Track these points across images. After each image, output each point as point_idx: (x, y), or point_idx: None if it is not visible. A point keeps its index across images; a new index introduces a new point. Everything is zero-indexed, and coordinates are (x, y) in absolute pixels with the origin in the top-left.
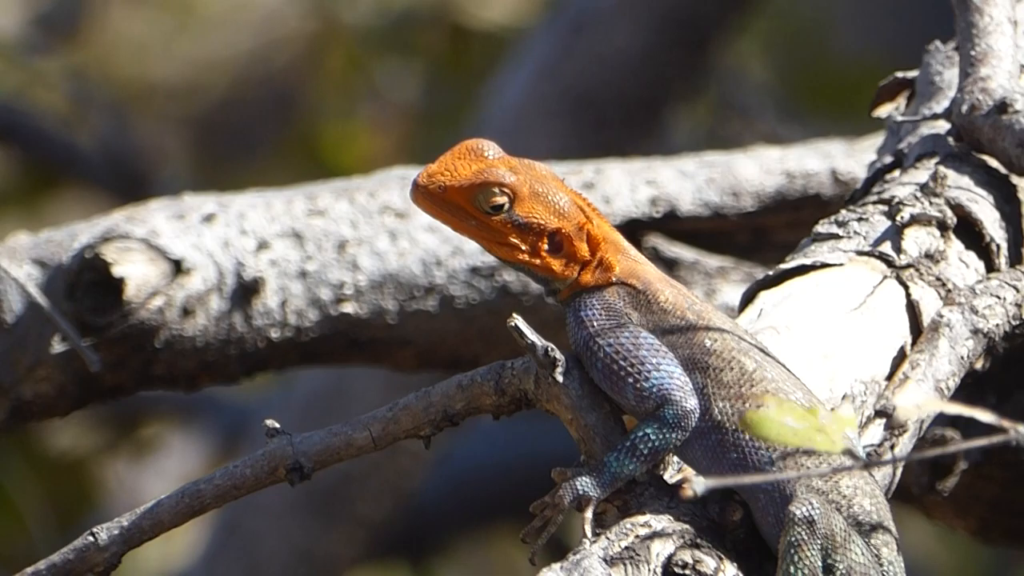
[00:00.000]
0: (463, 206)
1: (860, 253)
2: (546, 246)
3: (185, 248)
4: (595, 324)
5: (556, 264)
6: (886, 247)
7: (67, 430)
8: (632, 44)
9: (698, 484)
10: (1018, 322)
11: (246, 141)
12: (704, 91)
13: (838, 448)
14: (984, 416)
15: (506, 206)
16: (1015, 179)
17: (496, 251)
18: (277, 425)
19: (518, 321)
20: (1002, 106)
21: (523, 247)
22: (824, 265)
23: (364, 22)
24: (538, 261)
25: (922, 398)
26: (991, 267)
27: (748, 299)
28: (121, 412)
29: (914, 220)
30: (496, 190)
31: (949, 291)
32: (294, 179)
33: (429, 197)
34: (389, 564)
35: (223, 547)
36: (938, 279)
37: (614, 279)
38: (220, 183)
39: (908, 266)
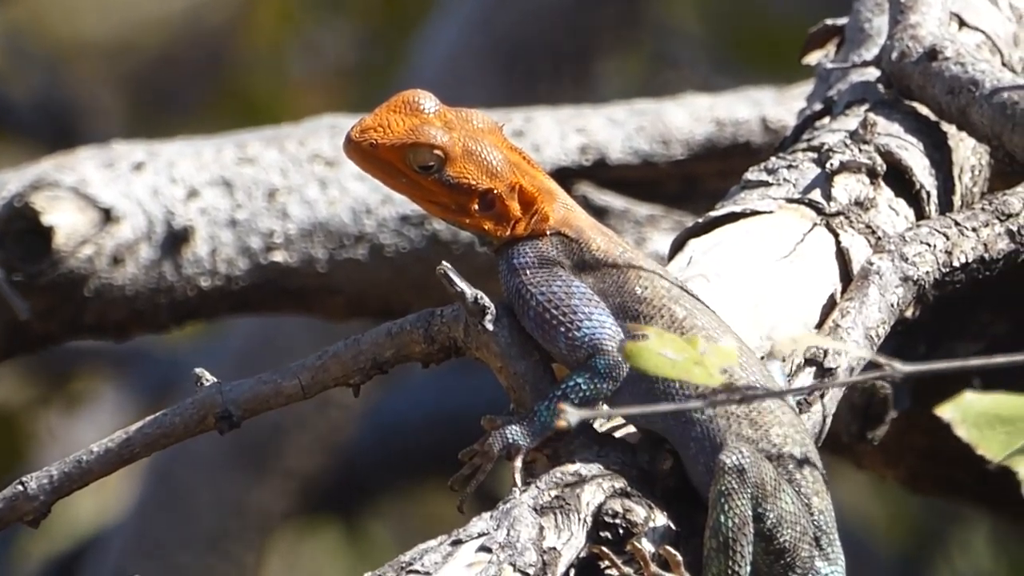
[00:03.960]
0: (394, 164)
1: (790, 200)
2: (477, 205)
3: (114, 196)
4: (528, 273)
5: (487, 223)
6: (816, 194)
7: None
8: None
9: (571, 415)
10: (948, 269)
11: (180, 99)
12: (637, 43)
13: (715, 381)
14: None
15: (437, 166)
16: (945, 126)
17: (427, 208)
18: (207, 373)
19: (447, 269)
20: (932, 53)
21: (453, 206)
22: (754, 212)
23: None
24: (468, 220)
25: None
26: (921, 215)
27: (678, 247)
28: (53, 365)
29: (844, 167)
30: (427, 150)
31: (879, 239)
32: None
33: (360, 153)
34: (321, 519)
35: (155, 501)
36: (868, 227)
37: (548, 229)
38: (153, 138)
39: (838, 213)
